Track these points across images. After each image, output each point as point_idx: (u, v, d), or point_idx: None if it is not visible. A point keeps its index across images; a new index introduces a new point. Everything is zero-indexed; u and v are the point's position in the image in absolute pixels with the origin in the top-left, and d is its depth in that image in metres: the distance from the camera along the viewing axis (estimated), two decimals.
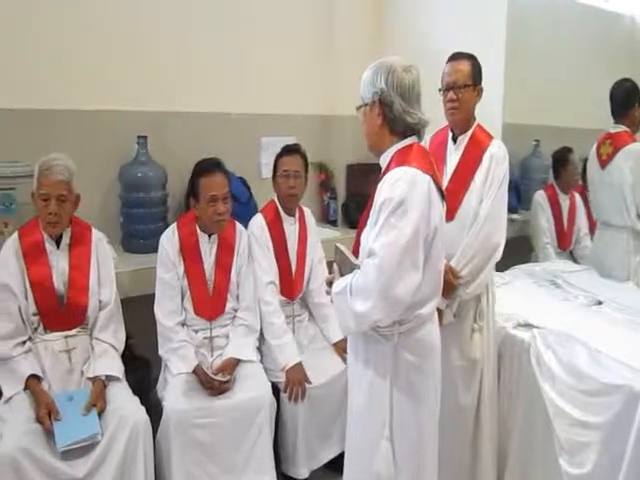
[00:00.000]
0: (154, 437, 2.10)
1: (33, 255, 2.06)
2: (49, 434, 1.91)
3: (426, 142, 2.22)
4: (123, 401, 2.07)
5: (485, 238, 2.01)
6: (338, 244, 1.69)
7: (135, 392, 2.17)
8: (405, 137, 1.61)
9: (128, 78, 2.68)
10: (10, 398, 1.98)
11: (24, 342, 2.05)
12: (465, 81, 2.04)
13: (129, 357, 2.61)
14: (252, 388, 2.23)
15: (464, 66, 2.05)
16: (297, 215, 2.58)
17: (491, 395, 2.17)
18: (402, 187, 1.50)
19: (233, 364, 2.29)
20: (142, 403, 2.11)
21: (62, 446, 1.89)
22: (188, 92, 2.86)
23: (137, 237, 2.62)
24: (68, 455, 1.90)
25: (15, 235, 2.09)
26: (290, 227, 2.54)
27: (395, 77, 1.57)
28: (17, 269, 2.05)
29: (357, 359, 1.72)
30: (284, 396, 2.31)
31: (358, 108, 1.65)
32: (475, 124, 2.13)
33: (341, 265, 1.66)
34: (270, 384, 2.29)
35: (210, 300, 2.36)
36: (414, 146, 1.60)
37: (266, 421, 2.20)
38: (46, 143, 2.34)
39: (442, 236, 1.62)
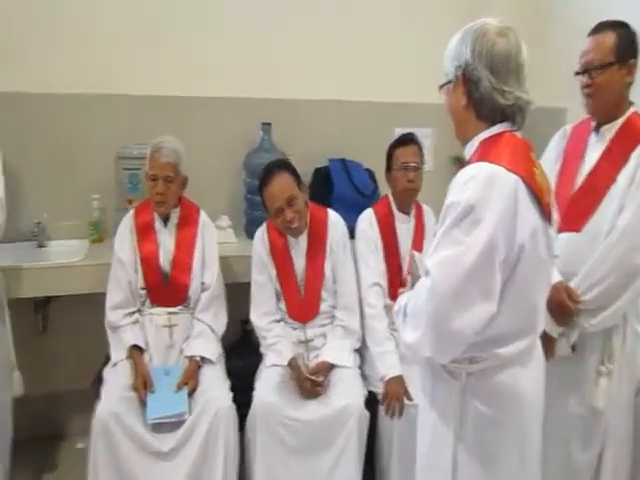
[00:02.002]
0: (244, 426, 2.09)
1: (144, 232, 2.18)
2: (142, 405, 1.99)
3: (566, 131, 1.86)
4: (212, 385, 2.08)
5: (623, 256, 1.59)
6: (414, 251, 1.44)
7: (245, 378, 2.18)
8: (494, 123, 1.26)
9: (253, 65, 2.71)
10: (116, 364, 2.12)
11: (132, 313, 2.17)
12: (603, 59, 1.63)
13: (247, 341, 2.67)
14: (344, 394, 2.09)
15: (605, 40, 1.63)
16: (414, 213, 2.35)
17: (618, 457, 1.73)
18: (474, 189, 1.15)
19: (327, 368, 2.18)
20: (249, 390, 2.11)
21: (151, 419, 1.96)
22: (315, 79, 2.79)
23: (259, 224, 2.62)
24: (157, 428, 1.97)
25: (131, 212, 2.24)
26: (403, 226, 2.32)
27: (484, 44, 1.23)
28: (130, 244, 2.18)
29: (424, 394, 1.43)
30: (382, 409, 2.12)
31: (441, 87, 1.33)
32: (629, 112, 1.69)
33: (415, 278, 1.36)
34: (364, 393, 2.14)
35: (303, 303, 2.26)
36: (504, 135, 1.25)
37: (355, 431, 2.05)
38: (176, 128, 2.45)
39: (537, 256, 1.23)
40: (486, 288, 1.16)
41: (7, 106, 2.46)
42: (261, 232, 2.30)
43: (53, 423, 2.66)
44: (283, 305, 2.27)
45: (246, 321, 2.38)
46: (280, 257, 2.25)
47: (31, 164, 2.54)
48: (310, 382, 2.09)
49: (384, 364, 2.15)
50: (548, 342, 1.52)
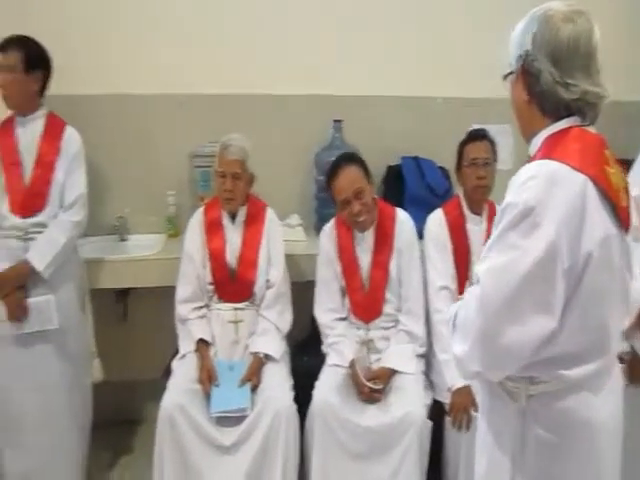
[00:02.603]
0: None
1: (212, 229, 2.23)
2: (206, 398, 2.04)
3: None
4: (274, 382, 2.09)
5: None
6: None
7: (313, 376, 2.17)
8: (560, 118, 1.12)
9: (324, 63, 2.69)
10: (184, 356, 2.18)
11: (200, 307, 2.23)
12: None
13: (316, 339, 2.68)
14: (405, 403, 2.02)
15: None
16: (486, 214, 2.23)
17: None
18: (534, 189, 1.03)
19: (388, 374, 2.12)
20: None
21: (214, 412, 2.01)
22: (388, 75, 2.73)
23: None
24: (220, 421, 2.01)
25: (201, 209, 2.30)
26: (475, 227, 2.22)
27: (547, 31, 1.08)
28: (199, 240, 2.23)
29: (482, 413, 1.30)
30: (448, 420, 2.05)
31: (504, 78, 1.19)
32: None
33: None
34: (427, 402, 2.07)
35: (366, 302, 2.22)
36: (572, 131, 1.10)
37: (415, 441, 1.97)
38: (247, 126, 2.49)
39: (610, 268, 1.08)
40: (543, 300, 1.03)
41: (91, 107, 2.61)
42: (329, 228, 2.29)
43: (131, 409, 2.80)
44: (347, 302, 2.24)
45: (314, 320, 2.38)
46: (346, 252, 2.23)
47: (114, 162, 2.68)
48: (368, 388, 2.04)
49: (452, 373, 2.03)
50: (635, 364, 1.37)
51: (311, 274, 2.41)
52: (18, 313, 2.07)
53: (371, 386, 2.04)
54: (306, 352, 2.54)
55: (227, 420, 2.01)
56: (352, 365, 2.08)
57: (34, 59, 2.09)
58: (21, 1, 2.51)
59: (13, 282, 2.07)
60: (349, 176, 2.11)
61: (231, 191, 2.15)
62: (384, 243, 2.22)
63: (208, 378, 2.06)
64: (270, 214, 2.29)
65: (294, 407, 2.05)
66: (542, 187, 1.03)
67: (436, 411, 2.10)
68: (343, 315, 2.24)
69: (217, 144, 2.22)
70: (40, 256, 2.08)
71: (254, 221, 2.25)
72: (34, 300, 2.09)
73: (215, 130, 2.44)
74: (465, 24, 2.79)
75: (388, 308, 2.22)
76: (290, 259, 2.39)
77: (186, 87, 2.65)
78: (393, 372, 2.13)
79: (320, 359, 2.27)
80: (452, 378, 2.04)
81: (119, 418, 2.78)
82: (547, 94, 1.11)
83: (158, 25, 2.64)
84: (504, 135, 2.46)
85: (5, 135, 2.14)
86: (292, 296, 2.33)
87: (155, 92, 2.65)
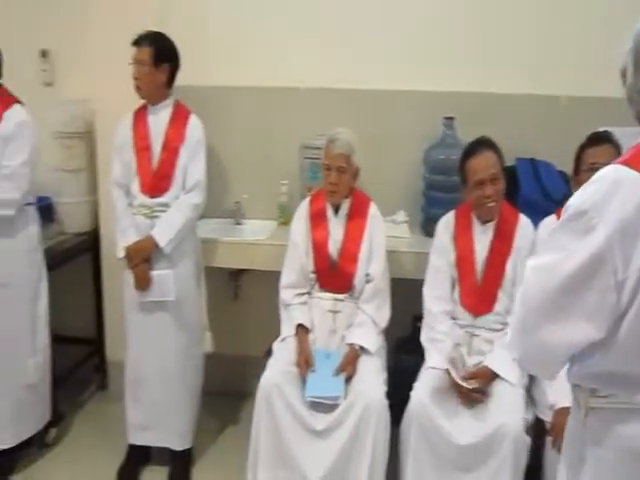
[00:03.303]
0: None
1: (316, 219, 2.29)
2: (302, 381, 2.11)
3: None
4: (366, 375, 2.11)
5: None
6: None
7: (412, 375, 2.15)
8: None
9: (435, 58, 2.64)
10: (284, 339, 2.28)
11: (302, 294, 2.30)
12: None
13: (417, 338, 2.65)
14: (502, 412, 1.94)
15: None
16: None
17: None
18: (592, 193, 0.98)
19: (488, 375, 2.04)
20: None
21: (308, 396, 2.07)
22: (503, 70, 2.60)
23: (436, 221, 2.56)
24: (314, 406, 2.07)
25: (307, 199, 2.36)
26: None
27: (637, 35, 1.01)
28: (304, 229, 2.30)
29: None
30: (549, 440, 1.92)
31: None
32: None
33: None
34: (527, 417, 1.96)
35: (477, 292, 2.15)
36: None
37: (510, 455, 1.88)
38: (357, 120, 2.54)
39: None
40: (585, 306, 0.99)
41: (217, 98, 2.78)
42: (447, 217, 2.26)
43: (239, 382, 2.97)
44: (457, 293, 2.19)
45: (418, 317, 2.36)
46: (462, 242, 2.19)
47: (234, 150, 2.85)
48: (465, 388, 1.98)
49: (554, 391, 1.91)
50: None
51: (414, 272, 2.40)
52: (143, 283, 2.30)
53: (466, 386, 1.97)
54: (405, 351, 2.54)
55: (320, 406, 2.07)
56: (448, 363, 2.04)
57: (163, 53, 2.28)
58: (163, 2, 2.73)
59: (141, 254, 2.29)
60: (489, 158, 2.10)
61: (335, 184, 2.19)
62: (503, 240, 2.16)
63: (305, 363, 2.13)
64: (373, 209, 2.30)
65: (385, 402, 2.05)
66: (601, 192, 0.97)
67: (538, 430, 1.99)
68: (450, 307, 2.19)
69: (324, 137, 2.28)
70: (163, 233, 2.28)
71: (357, 215, 2.27)
72: (156, 273, 2.31)
73: (325, 123, 2.49)
74: (592, 16, 2.56)
75: (499, 306, 2.14)
76: (392, 255, 2.38)
77: (301, 80, 2.73)
78: (494, 375, 2.05)
79: (419, 359, 2.25)
80: (555, 396, 1.90)
81: (228, 389, 2.97)
82: (631, 100, 1.05)
83: (279, 21, 2.74)
84: (634, 139, 2.23)
85: (138, 122, 2.35)
86: (393, 293, 2.33)
87: (273, 85, 2.76)
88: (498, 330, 2.15)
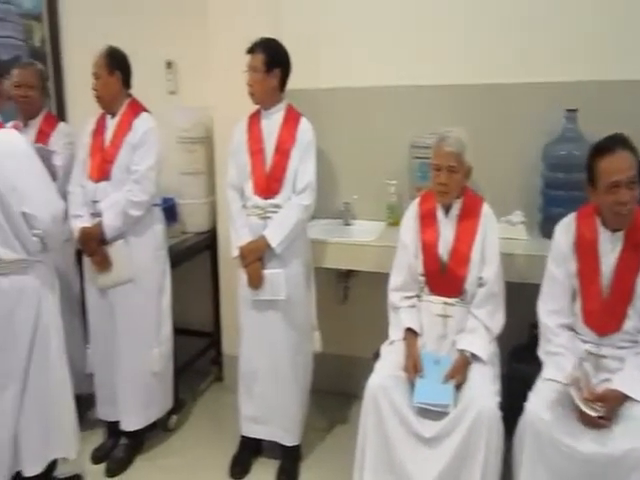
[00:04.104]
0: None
1: (426, 220, 2.22)
2: (410, 386, 2.06)
3: None
4: (479, 384, 2.02)
5: None
6: None
7: (527, 385, 2.03)
8: None
9: (552, 46, 2.46)
10: (393, 342, 2.24)
11: (411, 297, 2.25)
12: None
13: (533, 347, 2.49)
14: (634, 435, 1.75)
15: None
16: None
17: None
18: None
19: (618, 398, 1.84)
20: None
21: (416, 402, 2.02)
22: (628, 56, 2.36)
23: (556, 222, 2.38)
24: (421, 412, 2.02)
25: (417, 200, 2.30)
26: None
27: None
28: (414, 230, 2.25)
29: None
30: None
31: None
32: None
33: None
34: None
35: (603, 309, 1.96)
36: None
37: None
38: (468, 117, 2.45)
39: None
40: None
41: (324, 99, 2.80)
42: (567, 221, 2.07)
43: (347, 382, 2.98)
44: (578, 307, 2.01)
45: (535, 325, 2.23)
46: (585, 252, 1.99)
47: (343, 151, 2.86)
48: (590, 409, 1.79)
49: None
50: None
51: (531, 276, 2.25)
52: (255, 282, 2.38)
53: (588, 411, 1.79)
54: (521, 359, 2.41)
55: (428, 412, 2.01)
56: (572, 383, 1.86)
57: (274, 59, 2.34)
58: (276, 6, 2.81)
59: (254, 254, 2.37)
60: (626, 159, 1.87)
61: (445, 184, 2.11)
62: (635, 251, 1.93)
63: (413, 367, 2.08)
64: (486, 209, 2.19)
65: (498, 413, 1.95)
66: None
67: None
68: (568, 321, 2.02)
69: (435, 135, 2.20)
70: (275, 234, 2.34)
71: (469, 215, 2.18)
72: (268, 272, 2.37)
73: (435, 121, 2.43)
74: None
75: (628, 325, 1.93)
76: (508, 258, 2.26)
77: (409, 79, 2.68)
78: (624, 397, 1.84)
79: (536, 368, 2.10)
80: None
81: (336, 389, 3.01)
82: None
83: (384, 19, 2.71)
84: None
85: (252, 126, 2.44)
86: (508, 298, 2.21)
87: (381, 84, 2.74)
88: (628, 347, 1.95)
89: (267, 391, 2.48)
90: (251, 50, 2.36)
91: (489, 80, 2.58)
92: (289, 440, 2.52)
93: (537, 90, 2.51)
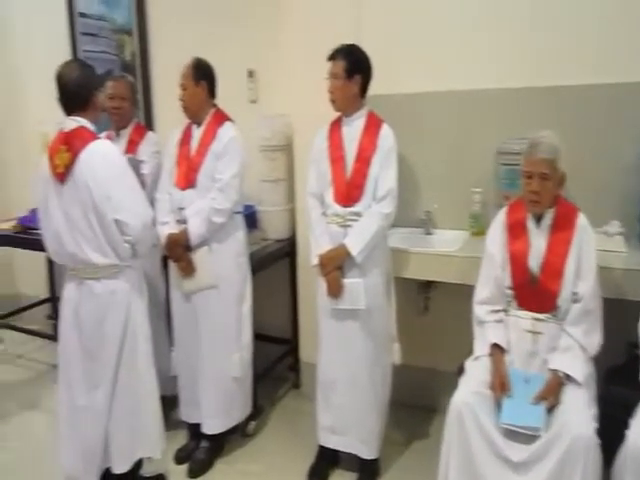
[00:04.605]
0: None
1: (515, 231, 2.10)
2: (496, 405, 1.96)
3: None
4: (573, 407, 1.88)
5: None
6: None
7: (626, 409, 1.89)
8: None
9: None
10: (478, 357, 2.14)
11: (498, 311, 2.14)
12: None
13: (633, 367, 2.32)
14: None
15: None
16: None
17: None
18: None
19: None
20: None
21: (503, 423, 1.91)
22: None
23: None
24: (508, 434, 1.91)
25: (505, 209, 2.18)
26: None
27: None
28: (501, 241, 2.13)
29: None
30: None
31: None
32: None
33: None
34: None
35: None
36: None
37: None
38: (559, 121, 2.30)
39: None
40: None
41: (403, 106, 2.74)
42: None
43: (428, 396, 2.91)
44: None
45: (635, 344, 2.06)
46: None
47: (424, 158, 2.78)
48: None
49: None
50: None
51: (630, 292, 2.10)
52: (335, 290, 2.35)
53: None
54: (618, 381, 2.23)
55: (515, 434, 1.89)
56: None
57: (355, 66, 2.31)
58: (356, 10, 2.77)
59: (334, 262, 2.34)
60: None
61: (537, 193, 1.98)
62: None
63: (501, 386, 1.97)
64: (582, 219, 2.04)
65: (596, 440, 1.80)
66: None
67: None
68: None
69: (524, 141, 2.08)
70: (355, 242, 2.31)
71: (562, 226, 2.03)
72: (348, 281, 2.34)
73: (523, 125, 2.31)
74: None
75: None
76: (605, 272, 2.10)
77: (494, 81, 2.57)
78: None
79: (635, 392, 1.94)
80: None
81: (416, 402, 2.93)
82: None
83: (468, 21, 2.62)
84: None
85: (333, 133, 2.41)
86: (604, 315, 2.04)
87: (464, 88, 2.64)
88: None
89: (344, 401, 2.45)
90: (332, 57, 2.34)
91: (581, 81, 2.42)
92: (367, 453, 2.47)
93: (634, 90, 2.34)
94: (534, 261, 2.06)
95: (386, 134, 2.35)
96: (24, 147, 4.12)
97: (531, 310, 2.06)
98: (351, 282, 2.34)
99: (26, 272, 4.41)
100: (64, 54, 3.70)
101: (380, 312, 2.42)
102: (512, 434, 1.90)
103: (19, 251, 3.83)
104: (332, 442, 2.52)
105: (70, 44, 3.84)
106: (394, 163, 2.35)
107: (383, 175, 2.33)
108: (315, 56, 2.40)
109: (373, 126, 2.37)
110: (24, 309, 4.14)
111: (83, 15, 3.77)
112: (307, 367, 3.08)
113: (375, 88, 2.41)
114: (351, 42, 2.37)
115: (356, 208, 2.34)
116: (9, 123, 4.28)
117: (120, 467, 2.26)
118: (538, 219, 2.08)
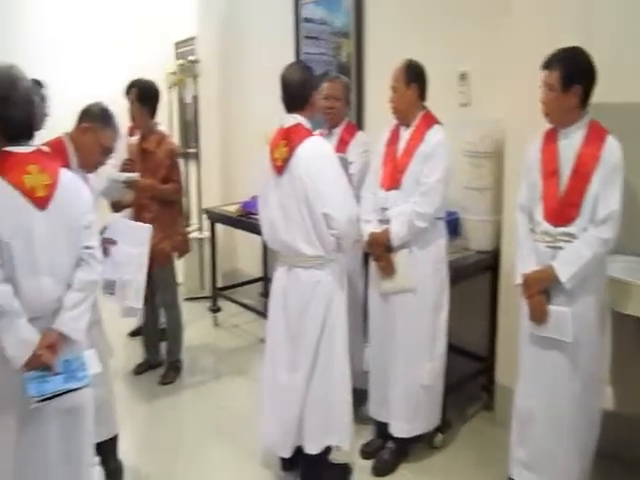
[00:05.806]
0: None
1: None
2: None
3: None
4: None
5: None
6: None
7: None
8: None
9: None
10: None
11: None
12: None
13: None
14: None
15: None
16: None
17: None
18: None
19: None
20: None
21: None
22: None
23: None
24: None
25: None
26: None
27: None
28: None
29: None
30: None
31: None
32: None
33: None
34: None
35: None
36: None
37: None
38: None
39: None
40: None
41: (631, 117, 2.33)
42: None
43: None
44: None
45: None
46: None
47: None
48: None
49: None
50: None
51: None
52: (538, 316, 2.14)
53: None
54: None
55: None
56: None
57: (573, 75, 2.04)
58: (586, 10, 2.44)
59: (539, 285, 2.13)
60: None
61: None
62: None
63: None
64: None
65: None
66: None
67: None
68: None
69: None
70: (565, 267, 2.07)
71: None
72: (554, 308, 2.11)
73: None
74: None
75: None
76: None
77: None
78: None
79: None
80: None
81: (627, 455, 2.51)
82: None
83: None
84: None
85: (548, 144, 2.17)
86: None
87: None
88: None
89: (542, 438, 2.21)
90: (546, 65, 2.09)
91: None
92: None
93: None
94: None
95: (612, 147, 2.03)
96: (248, 141, 4.53)
97: None
98: (557, 310, 2.10)
99: (245, 251, 4.87)
100: (288, 56, 3.94)
101: (590, 348, 2.13)
102: None
103: (240, 232, 4.28)
104: (525, 478, 2.30)
105: (294, 47, 4.09)
106: (619, 182, 2.03)
107: (605, 195, 2.02)
108: (538, 58, 2.14)
109: (596, 137, 2.07)
110: (241, 284, 4.61)
111: (308, 20, 3.98)
112: (502, 390, 2.87)
113: (600, 95, 2.08)
114: (577, 42, 2.07)
115: (570, 229, 2.08)
116: (236, 118, 4.76)
117: (311, 448, 2.40)
118: None
